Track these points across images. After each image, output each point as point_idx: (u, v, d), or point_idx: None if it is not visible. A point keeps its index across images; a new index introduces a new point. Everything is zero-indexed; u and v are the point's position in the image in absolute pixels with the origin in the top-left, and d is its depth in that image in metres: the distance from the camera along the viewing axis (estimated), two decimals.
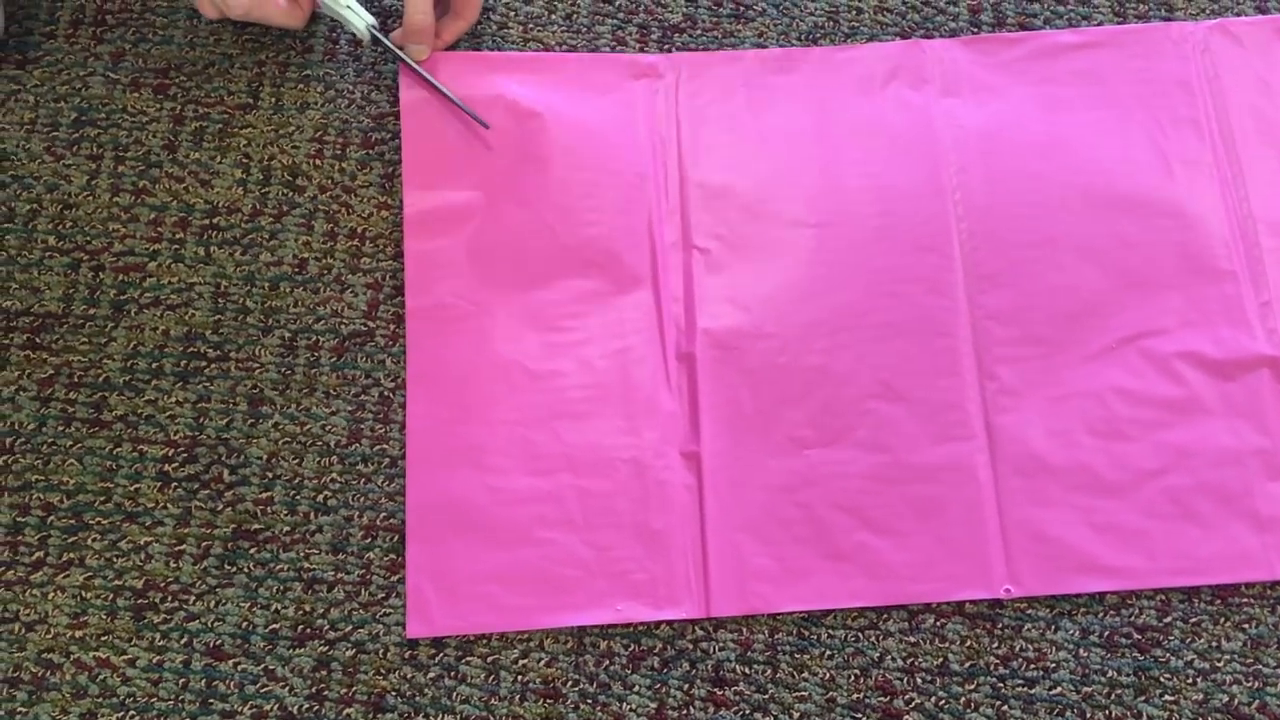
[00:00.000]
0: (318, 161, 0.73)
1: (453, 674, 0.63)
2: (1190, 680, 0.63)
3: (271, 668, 0.63)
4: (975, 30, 0.76)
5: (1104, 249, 0.70)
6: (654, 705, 0.62)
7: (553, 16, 0.77)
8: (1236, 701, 0.62)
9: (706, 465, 0.65)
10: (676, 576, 0.64)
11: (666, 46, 0.76)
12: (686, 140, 0.73)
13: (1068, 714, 0.62)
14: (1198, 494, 0.65)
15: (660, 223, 0.71)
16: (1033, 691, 0.62)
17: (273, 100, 0.75)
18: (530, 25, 0.77)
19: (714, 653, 0.63)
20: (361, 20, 0.71)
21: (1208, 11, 0.76)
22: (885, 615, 0.64)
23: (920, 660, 0.63)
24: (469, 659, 0.63)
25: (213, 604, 0.64)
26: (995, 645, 0.63)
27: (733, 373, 0.67)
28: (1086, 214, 0.70)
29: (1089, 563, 0.64)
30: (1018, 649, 0.63)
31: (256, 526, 0.65)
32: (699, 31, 0.77)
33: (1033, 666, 0.63)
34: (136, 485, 0.66)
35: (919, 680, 0.63)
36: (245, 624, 0.63)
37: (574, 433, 0.66)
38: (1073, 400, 0.67)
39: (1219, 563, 0.64)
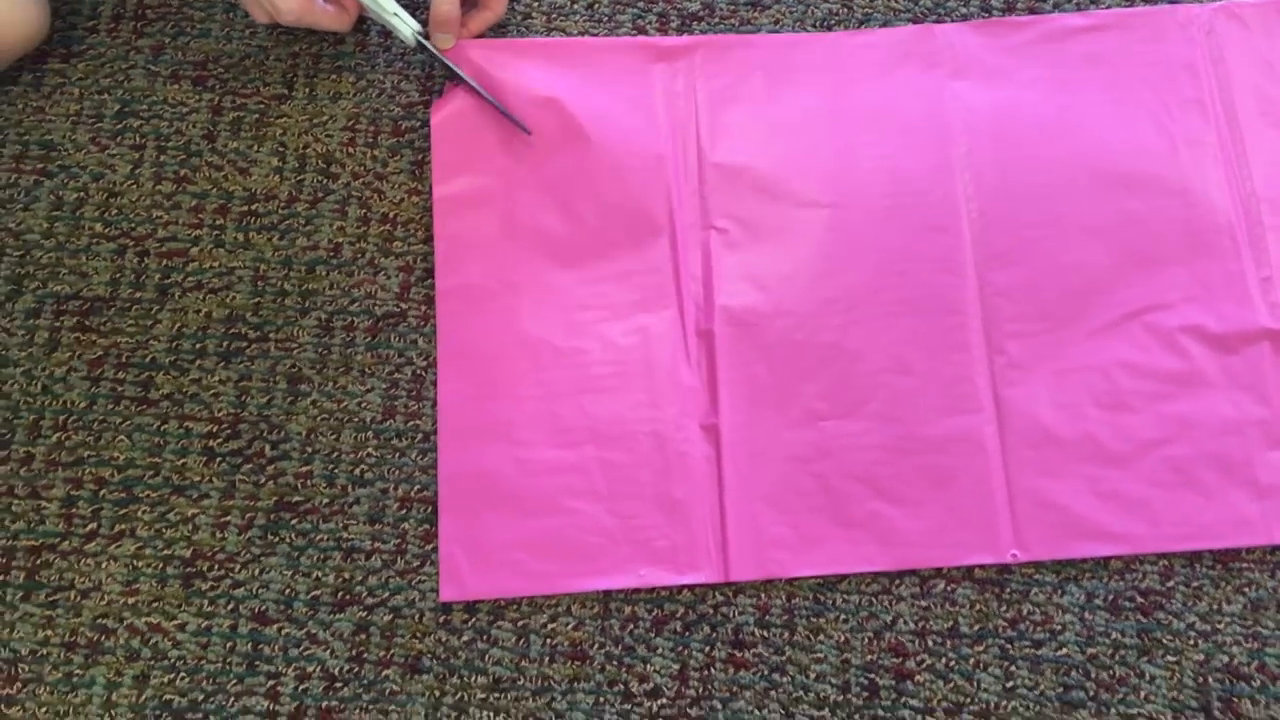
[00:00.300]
0: (350, 149, 0.76)
1: (485, 637, 0.66)
2: (1192, 642, 0.65)
3: (313, 632, 0.66)
4: (986, 15, 0.78)
5: (1110, 227, 0.72)
6: (676, 667, 0.65)
7: (575, 6, 0.79)
8: (1236, 662, 0.64)
9: (725, 437, 0.68)
10: (697, 543, 0.66)
11: (685, 34, 0.78)
12: (704, 123, 0.75)
13: (1073, 674, 0.64)
14: (1199, 463, 0.67)
15: (680, 204, 0.73)
16: (1039, 653, 0.65)
17: (307, 91, 0.77)
18: (553, 15, 0.79)
19: (734, 617, 0.66)
20: (408, 27, 0.73)
21: None
22: (898, 581, 0.66)
23: (931, 623, 0.65)
24: (500, 623, 0.66)
25: (257, 572, 0.67)
26: (1003, 609, 0.66)
27: (750, 348, 0.70)
28: (1093, 193, 0.72)
29: (1093, 529, 0.66)
30: (1025, 612, 0.66)
31: (297, 499, 0.68)
32: (717, 19, 0.79)
33: (1040, 629, 0.65)
34: (183, 460, 0.69)
35: (930, 643, 0.65)
36: (288, 591, 0.67)
37: (598, 406, 0.69)
38: (1079, 373, 0.69)
39: (1219, 529, 0.66)
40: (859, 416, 0.68)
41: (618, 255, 0.72)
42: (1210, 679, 0.64)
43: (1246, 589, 0.66)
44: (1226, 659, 0.64)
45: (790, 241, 0.72)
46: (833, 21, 0.78)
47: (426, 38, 0.74)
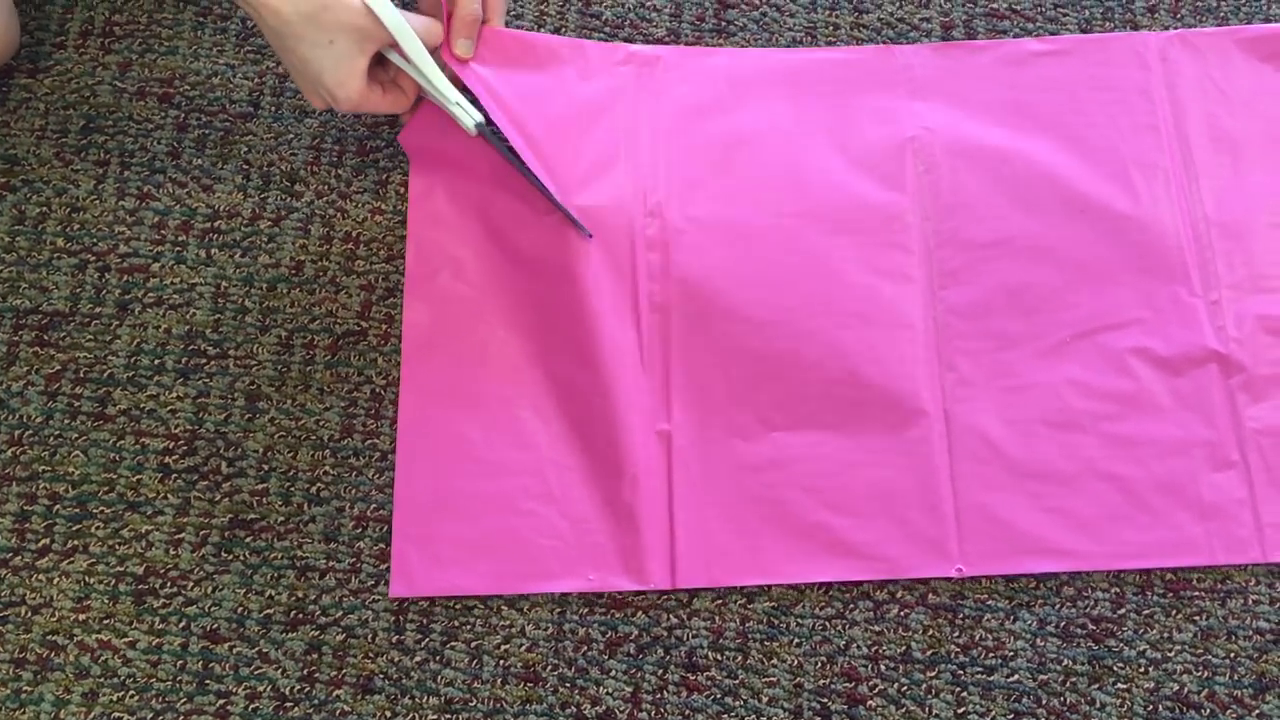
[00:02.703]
0: (315, 168, 0.76)
1: (438, 658, 0.65)
2: (1142, 669, 0.65)
3: (265, 651, 0.66)
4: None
5: (1062, 248, 0.72)
6: (629, 689, 0.65)
7: (542, 30, 0.80)
8: (1186, 690, 0.64)
9: (677, 444, 0.68)
10: (646, 549, 0.66)
11: None
12: (670, 131, 0.75)
13: (1024, 700, 0.64)
14: (1145, 483, 0.67)
15: (642, 210, 0.73)
16: (991, 679, 0.65)
17: (272, 109, 0.78)
18: None
19: (687, 639, 0.66)
20: (470, 118, 0.69)
21: (1169, 27, 0.78)
22: (852, 605, 0.66)
23: (884, 648, 0.65)
24: (453, 644, 0.66)
25: (210, 590, 0.67)
26: (956, 634, 0.66)
27: (705, 355, 0.70)
28: (1047, 215, 0.73)
29: (1039, 545, 0.66)
30: (977, 638, 0.66)
31: (252, 516, 0.68)
32: (681, 45, 0.79)
33: (991, 655, 0.65)
34: (138, 476, 0.69)
35: (883, 667, 0.65)
36: (241, 609, 0.66)
37: (556, 411, 0.69)
38: (1028, 391, 0.69)
39: (1164, 548, 0.66)
40: (810, 427, 0.69)
41: (579, 259, 0.71)
42: (1160, 707, 0.64)
43: (1197, 617, 0.66)
44: (1177, 687, 0.64)
45: (749, 250, 0.72)
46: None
47: (489, 125, 0.70)
